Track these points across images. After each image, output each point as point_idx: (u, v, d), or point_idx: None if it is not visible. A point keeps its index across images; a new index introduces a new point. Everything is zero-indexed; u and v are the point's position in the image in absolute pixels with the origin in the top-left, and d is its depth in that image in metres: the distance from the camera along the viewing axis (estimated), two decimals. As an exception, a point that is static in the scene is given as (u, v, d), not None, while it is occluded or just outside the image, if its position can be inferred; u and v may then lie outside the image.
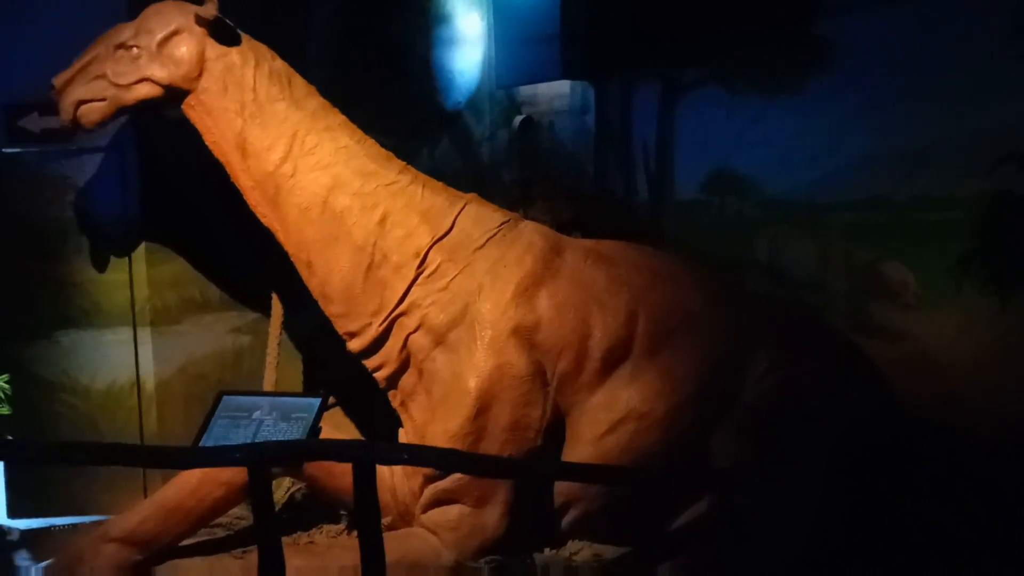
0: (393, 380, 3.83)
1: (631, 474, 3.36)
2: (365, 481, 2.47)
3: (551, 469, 3.41)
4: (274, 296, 4.70)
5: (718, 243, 5.11)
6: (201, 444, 2.91)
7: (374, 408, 4.87)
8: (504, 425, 3.54)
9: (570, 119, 5.82)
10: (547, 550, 3.61)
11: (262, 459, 2.45)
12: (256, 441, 2.89)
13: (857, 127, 4.70)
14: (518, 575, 3.39)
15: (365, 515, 2.51)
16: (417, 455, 3.02)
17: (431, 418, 3.67)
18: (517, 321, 3.61)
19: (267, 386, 4.75)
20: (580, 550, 3.56)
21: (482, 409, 3.53)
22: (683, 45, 5.10)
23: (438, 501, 3.55)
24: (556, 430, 3.63)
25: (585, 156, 5.82)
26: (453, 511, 3.54)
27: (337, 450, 2.77)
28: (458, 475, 3.52)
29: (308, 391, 5.06)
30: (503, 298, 3.64)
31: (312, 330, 5.03)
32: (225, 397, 3.09)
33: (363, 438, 4.65)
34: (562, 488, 3.63)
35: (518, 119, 5.89)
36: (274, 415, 3.01)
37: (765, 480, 3.60)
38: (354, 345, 3.87)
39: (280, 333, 4.76)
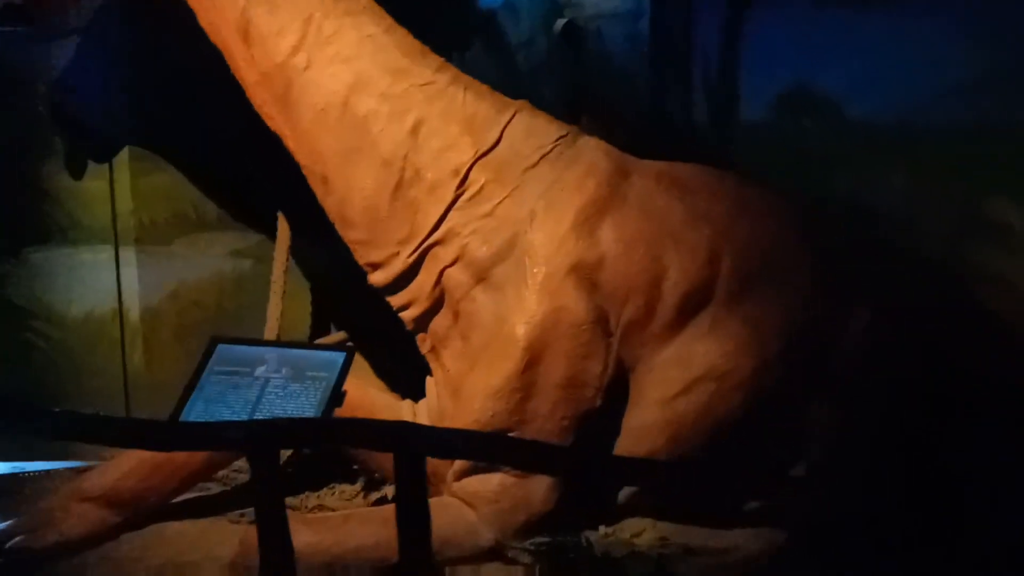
0: (423, 321, 3.22)
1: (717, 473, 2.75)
2: (410, 474, 1.88)
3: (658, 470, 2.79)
4: (280, 216, 4.09)
5: (792, 173, 4.43)
6: (189, 409, 2.27)
7: (397, 351, 4.32)
8: (558, 381, 2.94)
9: (621, 25, 5.04)
10: (602, 528, 3.04)
11: (268, 442, 1.85)
12: (261, 408, 2.27)
13: (965, 40, 3.99)
14: (571, 560, 2.83)
15: (410, 516, 1.92)
16: (483, 445, 2.41)
17: (468, 369, 3.07)
18: (576, 257, 2.98)
19: (271, 320, 4.16)
20: (643, 531, 3.00)
21: (532, 361, 2.92)
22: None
23: (475, 468, 2.97)
24: (618, 388, 3.03)
25: (637, 69, 5.10)
26: (493, 480, 2.95)
27: (372, 434, 2.18)
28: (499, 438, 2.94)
29: (327, 342, 4.49)
30: (560, 228, 3.01)
31: (325, 256, 4.47)
32: (220, 346, 2.46)
33: (385, 388, 4.08)
34: (624, 455, 3.05)
35: (560, 23, 5.14)
36: (283, 372, 2.38)
37: (859, 458, 3.03)
38: (377, 278, 3.25)
39: (287, 259, 4.16)
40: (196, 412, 2.24)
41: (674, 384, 3.00)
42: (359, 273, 4.30)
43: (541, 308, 2.94)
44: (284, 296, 4.16)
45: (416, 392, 3.56)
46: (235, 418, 2.21)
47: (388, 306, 4.23)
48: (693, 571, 2.82)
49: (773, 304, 3.04)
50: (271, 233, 4.24)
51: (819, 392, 3.04)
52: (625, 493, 3.10)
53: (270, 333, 4.18)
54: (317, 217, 4.17)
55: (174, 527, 3.17)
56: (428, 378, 3.40)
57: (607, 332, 2.99)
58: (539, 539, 2.91)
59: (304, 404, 2.28)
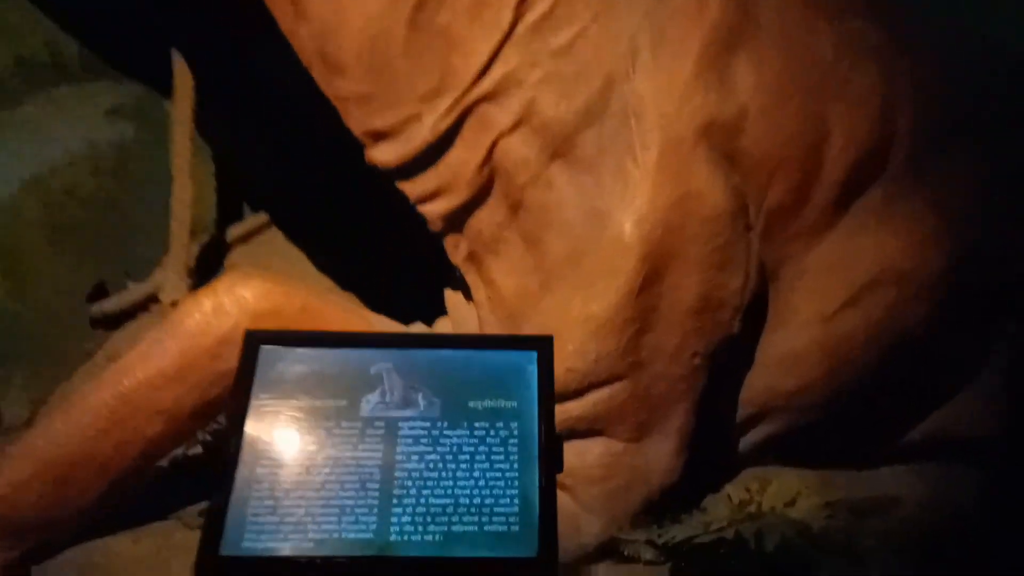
0: (457, 218, 2.16)
1: None
2: None
3: None
4: (177, 57, 2.83)
5: None
6: (239, 512, 1.12)
7: (344, 234, 3.25)
8: (688, 303, 1.99)
9: None
10: (733, 494, 2.21)
11: None
12: (402, 498, 1.11)
13: None
14: (723, 559, 1.99)
15: None
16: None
17: (539, 289, 2.06)
18: (707, 115, 1.98)
19: (179, 210, 2.98)
20: (795, 496, 2.18)
21: (651, 277, 1.96)
22: None
23: (569, 433, 2.04)
24: (757, 304, 2.13)
25: None
26: (595, 450, 2.04)
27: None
28: (605, 392, 2.01)
29: (244, 231, 3.31)
30: (680, 73, 1.97)
31: (230, 109, 3.25)
32: (265, 348, 1.24)
33: (350, 297, 3.00)
34: (756, 392, 2.19)
35: None
36: (423, 405, 1.24)
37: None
38: (384, 154, 2.12)
39: (192, 120, 2.94)
40: (259, 522, 1.07)
41: (836, 293, 2.13)
42: (281, 129, 3.22)
43: (661, 196, 1.95)
44: (192, 175, 2.99)
45: (395, 302, 2.58)
46: (357, 531, 1.07)
47: (326, 176, 3.21)
48: (881, 550, 2.06)
49: (967, 176, 2.17)
50: (156, 82, 3.00)
51: (1007, 295, 2.25)
52: (751, 438, 2.28)
53: (180, 228, 3.00)
54: (218, 53, 2.99)
55: (106, 548, 2.09)
56: (449, 292, 2.38)
57: (747, 226, 2.05)
58: (667, 528, 2.04)
59: (495, 478, 1.17)
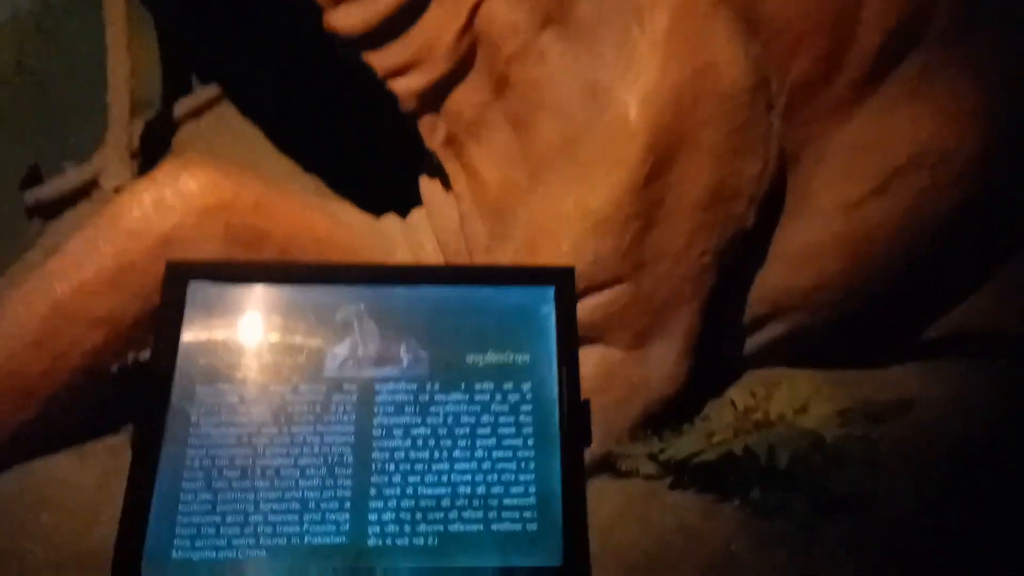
0: (433, 96, 1.87)
1: None
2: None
3: None
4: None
5: None
6: (161, 517, 0.87)
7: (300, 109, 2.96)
8: (698, 196, 1.75)
9: None
10: (738, 399, 2.03)
11: None
12: (384, 490, 0.81)
13: None
14: (728, 477, 1.83)
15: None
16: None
17: (529, 180, 1.81)
18: (728, -26, 1.69)
19: (116, 85, 2.66)
20: (806, 402, 2.00)
21: (659, 167, 1.71)
22: None
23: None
24: (773, 193, 1.89)
25: None
26: (591, 359, 1.82)
27: None
28: (604, 296, 1.79)
29: (191, 107, 2.99)
30: (696, -82, 1.67)
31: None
32: (196, 285, 0.92)
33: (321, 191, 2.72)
34: (768, 290, 1.99)
35: None
36: (406, 360, 0.90)
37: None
38: (346, 19, 1.82)
39: (125, -22, 2.59)
40: (192, 525, 0.79)
41: (863, 179, 1.89)
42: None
43: (672, 70, 1.67)
44: (129, 41, 2.65)
45: (364, 188, 2.33)
46: (325, 535, 0.78)
47: (284, 43, 2.90)
48: (898, 457, 1.91)
49: (1007, 56, 1.90)
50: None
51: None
52: (757, 338, 2.09)
53: (118, 104, 2.69)
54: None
55: (47, 470, 1.89)
56: (425, 179, 2.12)
57: (768, 104, 1.79)
58: (669, 442, 1.87)
59: (504, 459, 0.84)
